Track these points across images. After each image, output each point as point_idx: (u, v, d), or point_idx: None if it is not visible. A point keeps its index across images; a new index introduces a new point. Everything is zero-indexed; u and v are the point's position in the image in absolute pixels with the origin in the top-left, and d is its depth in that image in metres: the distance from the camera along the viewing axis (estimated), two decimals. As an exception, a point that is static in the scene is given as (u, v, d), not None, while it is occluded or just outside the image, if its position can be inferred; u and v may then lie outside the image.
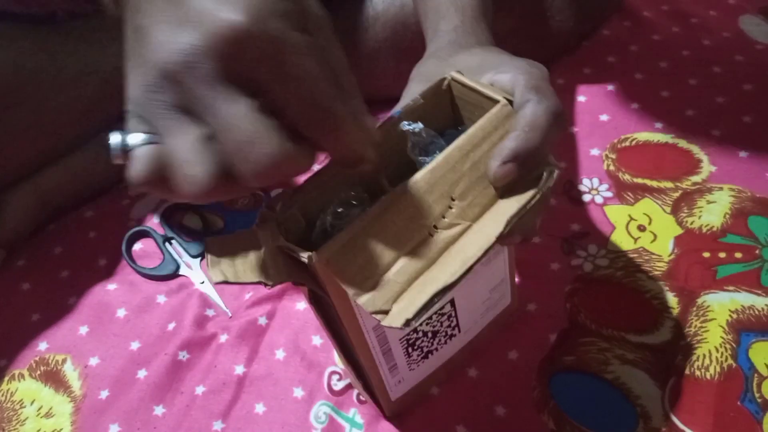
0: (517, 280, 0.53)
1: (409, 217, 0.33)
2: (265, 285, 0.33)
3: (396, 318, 0.30)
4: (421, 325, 0.42)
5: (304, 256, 0.31)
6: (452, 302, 0.43)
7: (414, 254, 0.32)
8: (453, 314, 0.44)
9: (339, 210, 0.35)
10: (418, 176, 0.33)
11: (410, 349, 0.43)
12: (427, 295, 0.30)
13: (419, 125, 0.36)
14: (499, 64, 0.38)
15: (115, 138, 0.28)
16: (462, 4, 0.46)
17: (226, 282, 0.32)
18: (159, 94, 0.27)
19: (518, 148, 0.34)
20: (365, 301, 0.30)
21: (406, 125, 0.36)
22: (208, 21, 0.26)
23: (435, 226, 0.33)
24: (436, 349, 0.46)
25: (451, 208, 0.33)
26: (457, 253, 0.32)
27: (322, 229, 0.35)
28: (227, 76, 0.26)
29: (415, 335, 0.42)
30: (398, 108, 0.37)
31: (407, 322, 0.29)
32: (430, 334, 0.44)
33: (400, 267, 0.32)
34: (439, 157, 0.34)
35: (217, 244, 0.35)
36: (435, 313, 0.42)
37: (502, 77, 0.36)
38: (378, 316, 0.30)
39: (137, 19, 0.28)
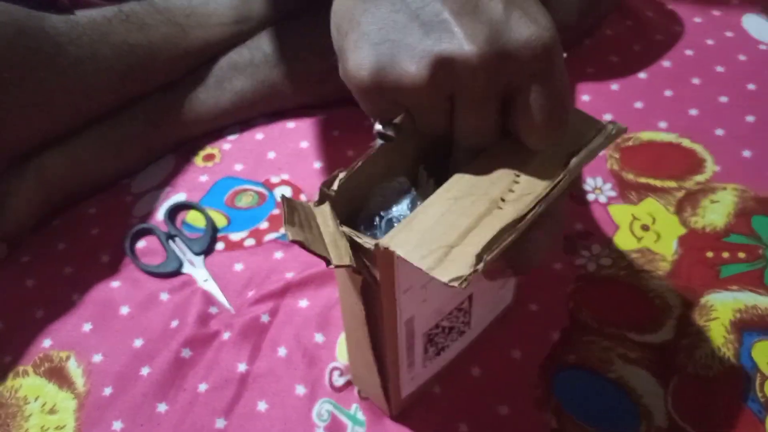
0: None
1: (472, 196, 0.32)
2: (327, 263, 0.32)
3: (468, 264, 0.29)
4: (442, 320, 0.42)
5: (370, 243, 0.31)
6: (470, 297, 0.43)
7: (481, 226, 0.31)
8: (468, 310, 0.44)
9: (383, 198, 0.36)
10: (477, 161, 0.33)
11: (428, 345, 0.44)
12: (494, 230, 0.30)
13: None
14: None
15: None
16: None
17: (299, 243, 0.31)
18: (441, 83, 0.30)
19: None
20: (439, 272, 0.29)
21: None
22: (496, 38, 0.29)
23: (502, 199, 0.32)
24: (448, 345, 0.46)
25: (517, 182, 0.33)
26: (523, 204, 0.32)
27: (367, 215, 0.35)
28: (501, 80, 0.30)
29: (435, 330, 0.43)
30: None
31: (479, 259, 0.29)
32: (447, 330, 0.44)
33: (468, 239, 0.31)
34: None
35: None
36: (455, 308, 0.42)
37: None
38: (454, 282, 0.29)
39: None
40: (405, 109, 0.32)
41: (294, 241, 0.31)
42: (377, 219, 0.35)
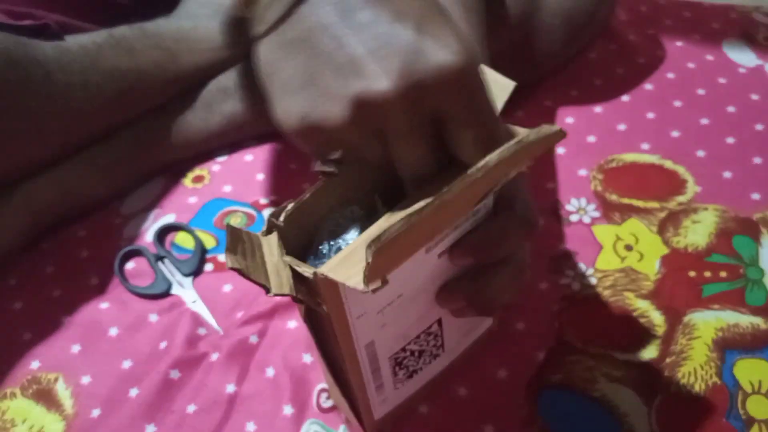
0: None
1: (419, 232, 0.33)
2: (267, 291, 0.33)
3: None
4: (409, 344, 0.43)
5: (309, 272, 0.32)
6: (439, 322, 0.43)
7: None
8: (439, 334, 0.44)
9: (335, 227, 0.36)
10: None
11: (397, 368, 0.44)
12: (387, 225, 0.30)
13: None
14: None
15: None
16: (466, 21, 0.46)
17: (238, 271, 0.32)
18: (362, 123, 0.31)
19: (477, 247, 0.36)
20: (355, 282, 0.30)
21: None
22: (413, 62, 0.30)
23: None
24: (421, 368, 0.46)
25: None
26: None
27: (318, 244, 0.36)
28: (423, 110, 0.31)
29: (403, 354, 0.43)
30: None
31: (371, 245, 0.29)
32: (417, 353, 0.44)
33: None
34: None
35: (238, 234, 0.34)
36: (423, 333, 0.43)
37: None
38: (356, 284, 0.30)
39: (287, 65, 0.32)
40: (341, 146, 0.33)
41: (233, 269, 0.32)
42: (327, 248, 0.35)
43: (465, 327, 0.47)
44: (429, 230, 0.33)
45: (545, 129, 0.33)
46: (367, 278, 0.29)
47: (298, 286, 0.33)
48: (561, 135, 0.34)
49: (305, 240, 0.36)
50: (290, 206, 0.35)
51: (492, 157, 0.32)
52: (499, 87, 0.36)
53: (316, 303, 0.34)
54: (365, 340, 0.39)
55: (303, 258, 0.35)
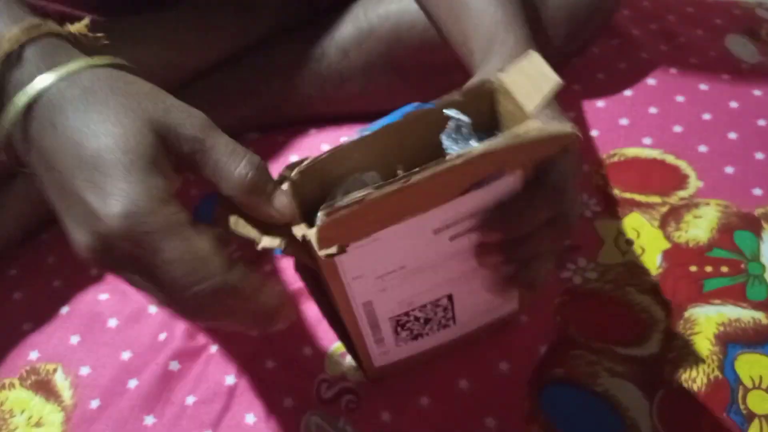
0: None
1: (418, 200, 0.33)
2: (255, 244, 0.33)
3: None
4: (413, 311, 0.43)
5: (298, 233, 0.32)
6: (450, 297, 0.43)
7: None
8: (449, 307, 0.44)
9: (349, 189, 0.36)
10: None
11: (399, 329, 0.44)
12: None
13: (467, 119, 0.36)
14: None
15: None
16: (511, 26, 0.46)
17: (224, 226, 0.32)
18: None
19: (505, 220, 0.37)
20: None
21: (453, 113, 0.36)
22: (92, 224, 0.30)
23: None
24: (427, 334, 0.46)
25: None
26: None
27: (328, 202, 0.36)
28: (122, 264, 0.31)
29: (405, 318, 0.43)
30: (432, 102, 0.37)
31: (323, 210, 0.30)
32: (422, 320, 0.44)
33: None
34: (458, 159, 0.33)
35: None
36: (430, 303, 0.43)
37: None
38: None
39: (46, 192, 0.33)
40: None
41: (216, 221, 0.32)
42: None
43: (483, 306, 0.48)
44: (399, 210, 0.33)
45: (553, 128, 0.33)
46: (319, 243, 0.30)
47: (291, 241, 0.34)
48: (571, 137, 0.33)
49: (319, 199, 0.36)
50: (306, 162, 0.35)
51: (476, 148, 0.32)
52: (544, 80, 0.35)
53: (311, 259, 0.34)
54: (362, 300, 0.39)
55: (311, 216, 0.35)
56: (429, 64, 0.62)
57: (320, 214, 0.30)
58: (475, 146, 0.32)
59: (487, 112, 0.38)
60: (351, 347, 0.46)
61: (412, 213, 0.34)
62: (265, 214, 0.33)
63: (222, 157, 0.33)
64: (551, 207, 0.37)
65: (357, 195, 0.30)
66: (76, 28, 0.35)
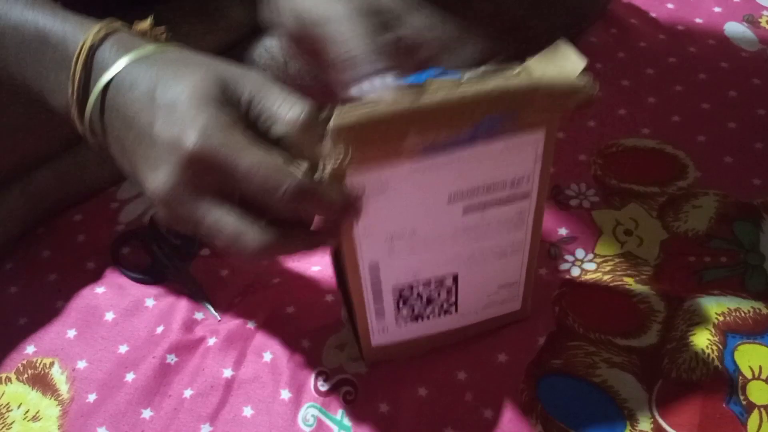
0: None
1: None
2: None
3: None
4: (417, 285, 0.44)
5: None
6: (455, 278, 0.44)
7: None
8: (453, 290, 0.45)
9: None
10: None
11: (401, 303, 0.45)
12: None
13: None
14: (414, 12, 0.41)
15: None
16: None
17: None
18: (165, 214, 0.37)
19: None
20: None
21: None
22: (171, 154, 0.34)
23: None
24: (428, 317, 0.47)
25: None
26: None
27: None
28: (203, 190, 0.35)
29: (409, 291, 0.44)
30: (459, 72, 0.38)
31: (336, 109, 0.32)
32: (425, 298, 0.45)
33: None
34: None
35: None
36: (434, 279, 0.44)
37: None
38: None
39: (125, 157, 0.38)
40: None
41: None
42: None
43: (486, 298, 0.48)
44: (402, 130, 0.34)
45: (570, 77, 0.34)
46: (333, 139, 0.32)
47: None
48: (588, 91, 0.34)
49: None
50: (344, 108, 0.36)
51: (490, 83, 0.33)
52: (571, 63, 0.36)
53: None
54: (369, 258, 0.40)
55: None
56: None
57: (335, 110, 0.32)
58: (491, 81, 0.33)
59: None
60: (353, 323, 0.47)
61: (423, 136, 0.34)
62: (315, 153, 0.35)
63: (276, 101, 0.36)
64: None
65: (370, 102, 0.32)
66: (142, 26, 0.41)
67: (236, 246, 0.35)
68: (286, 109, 0.35)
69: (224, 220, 0.35)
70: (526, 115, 0.35)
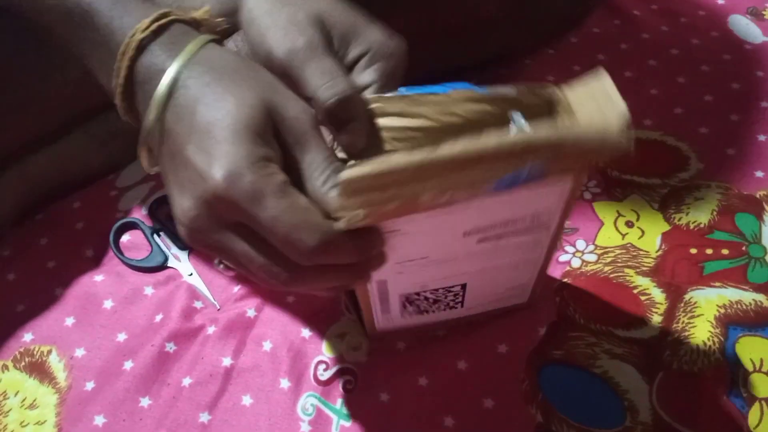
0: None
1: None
2: None
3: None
4: (425, 292, 0.43)
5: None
6: (464, 286, 0.44)
7: None
8: (461, 293, 0.45)
9: None
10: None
11: (407, 305, 0.45)
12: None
13: (527, 125, 0.35)
14: (369, 29, 0.38)
15: None
16: None
17: None
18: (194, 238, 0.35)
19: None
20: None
21: (517, 116, 0.35)
22: (197, 186, 0.32)
23: None
24: (434, 311, 0.47)
25: None
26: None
27: None
28: (229, 224, 0.33)
29: (416, 297, 0.44)
30: (484, 88, 0.36)
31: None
32: (431, 300, 0.45)
33: None
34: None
35: None
36: (443, 288, 0.43)
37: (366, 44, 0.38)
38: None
39: (160, 163, 0.36)
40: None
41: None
42: None
43: (493, 296, 0.48)
44: (417, 185, 0.31)
45: (602, 131, 0.30)
46: (342, 198, 0.30)
47: None
48: (623, 147, 0.31)
49: None
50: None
51: (513, 136, 0.30)
52: (612, 107, 0.32)
53: None
54: (377, 277, 0.39)
55: None
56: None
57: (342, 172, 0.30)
58: (513, 133, 0.30)
59: (545, 118, 0.36)
60: (356, 308, 0.47)
61: (440, 192, 0.32)
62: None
63: (313, 164, 0.34)
64: None
65: (381, 158, 0.30)
66: (199, 14, 0.38)
67: (266, 277, 0.34)
68: (318, 180, 0.33)
69: (253, 254, 0.33)
70: (554, 167, 0.32)
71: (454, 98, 0.35)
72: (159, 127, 0.35)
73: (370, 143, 0.36)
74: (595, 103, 0.33)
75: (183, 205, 0.33)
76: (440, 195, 0.31)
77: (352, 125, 0.36)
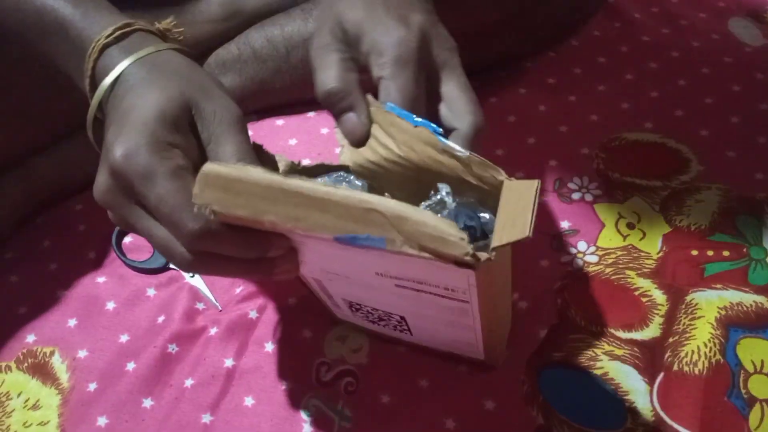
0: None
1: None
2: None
3: None
4: (366, 306, 0.44)
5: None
6: (403, 317, 0.43)
7: None
8: (404, 323, 0.45)
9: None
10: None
11: (354, 310, 0.45)
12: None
13: (451, 200, 0.36)
14: (377, 26, 0.41)
15: None
16: None
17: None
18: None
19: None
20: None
21: (444, 188, 0.36)
22: (105, 161, 0.36)
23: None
24: (385, 327, 0.46)
25: None
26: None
27: None
28: (131, 199, 0.36)
29: (359, 305, 0.44)
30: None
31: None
32: (377, 316, 0.45)
33: None
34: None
35: None
36: (382, 311, 0.43)
37: (380, 44, 0.40)
38: None
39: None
40: None
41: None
42: None
43: (440, 340, 0.47)
44: (262, 204, 0.31)
45: (444, 246, 0.29)
46: (195, 194, 0.32)
47: None
48: (460, 257, 0.30)
49: None
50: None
51: (357, 197, 0.30)
52: (521, 220, 0.31)
53: None
54: (311, 274, 0.41)
55: None
56: None
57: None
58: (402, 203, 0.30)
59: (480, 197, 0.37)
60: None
61: (280, 221, 0.32)
62: None
63: (217, 158, 0.37)
64: None
65: (244, 166, 0.32)
66: (163, 24, 0.43)
67: (167, 256, 0.36)
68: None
69: (154, 230, 0.35)
70: (397, 249, 0.30)
71: (417, 136, 0.37)
72: (101, 114, 0.40)
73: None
74: (514, 208, 0.33)
75: (97, 179, 0.37)
76: (283, 222, 0.31)
77: (346, 116, 0.40)
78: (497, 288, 0.39)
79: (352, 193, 0.30)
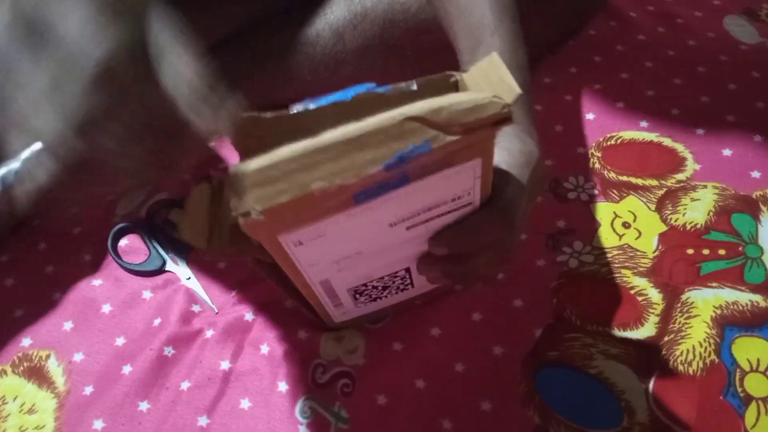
0: (500, 276, 0.54)
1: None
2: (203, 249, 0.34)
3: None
4: (371, 281, 0.44)
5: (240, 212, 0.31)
6: (407, 269, 0.43)
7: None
8: (407, 276, 0.45)
9: None
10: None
11: (358, 296, 0.45)
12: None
13: None
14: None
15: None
16: (497, 29, 0.46)
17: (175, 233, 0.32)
18: None
19: (452, 242, 0.38)
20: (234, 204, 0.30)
21: None
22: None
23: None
24: (386, 297, 0.47)
25: None
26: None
27: None
28: None
29: (364, 287, 0.44)
30: (389, 86, 0.36)
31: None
32: (380, 288, 0.45)
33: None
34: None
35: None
36: (387, 275, 0.43)
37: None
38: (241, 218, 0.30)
39: None
40: None
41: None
42: None
43: None
44: (306, 175, 0.30)
45: (477, 96, 0.30)
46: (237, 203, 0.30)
47: (240, 239, 0.34)
48: (500, 112, 0.30)
49: None
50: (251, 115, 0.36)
51: (389, 114, 0.30)
52: (505, 88, 0.33)
53: (257, 251, 0.35)
54: (319, 279, 0.40)
55: None
56: (424, 45, 0.61)
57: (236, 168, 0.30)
58: (374, 119, 0.30)
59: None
60: (309, 308, 0.47)
61: (326, 183, 0.31)
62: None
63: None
64: (496, 231, 0.38)
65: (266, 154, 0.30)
66: None
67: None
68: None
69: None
70: (442, 144, 0.31)
71: (359, 102, 0.36)
72: None
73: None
74: (490, 85, 0.34)
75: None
76: (330, 183, 0.30)
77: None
78: (487, 183, 0.38)
79: (379, 116, 0.30)
